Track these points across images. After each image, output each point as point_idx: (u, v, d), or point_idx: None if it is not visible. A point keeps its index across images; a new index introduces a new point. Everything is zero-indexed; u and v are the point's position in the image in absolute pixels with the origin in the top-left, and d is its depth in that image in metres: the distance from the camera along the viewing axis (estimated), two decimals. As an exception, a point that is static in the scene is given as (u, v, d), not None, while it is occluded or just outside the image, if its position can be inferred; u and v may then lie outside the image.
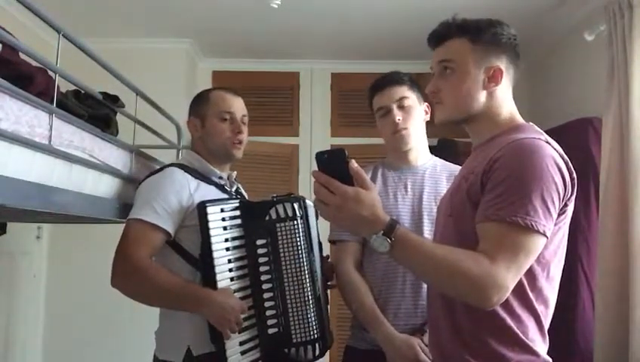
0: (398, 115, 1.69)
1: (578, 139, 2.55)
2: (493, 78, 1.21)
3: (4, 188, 1.11)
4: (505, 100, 1.25)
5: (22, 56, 1.33)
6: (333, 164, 1.05)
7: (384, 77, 1.75)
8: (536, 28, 3.07)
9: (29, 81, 1.33)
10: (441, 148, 2.96)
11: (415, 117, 1.71)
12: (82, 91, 1.63)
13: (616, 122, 2.28)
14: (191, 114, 1.75)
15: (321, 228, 1.62)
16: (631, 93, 2.21)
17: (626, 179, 2.21)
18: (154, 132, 2.13)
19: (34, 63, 1.34)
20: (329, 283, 1.70)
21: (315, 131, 3.72)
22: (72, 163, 1.40)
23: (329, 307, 1.67)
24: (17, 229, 2.79)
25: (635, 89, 2.20)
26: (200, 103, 1.73)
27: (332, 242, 1.75)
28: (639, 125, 2.19)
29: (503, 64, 1.22)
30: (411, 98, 1.71)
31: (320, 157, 1.06)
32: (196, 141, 1.74)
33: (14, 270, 3.00)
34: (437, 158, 1.82)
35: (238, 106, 1.72)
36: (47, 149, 1.26)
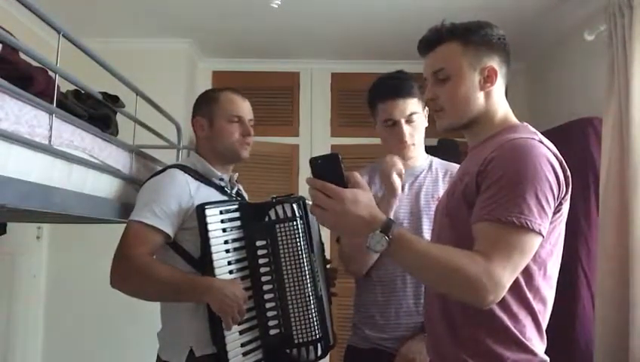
0: (408, 131, 1.66)
1: (578, 139, 2.55)
2: (489, 78, 1.22)
3: (4, 188, 1.11)
4: (500, 100, 1.25)
5: (22, 56, 1.33)
6: (327, 168, 1.05)
7: (394, 83, 1.68)
8: (536, 28, 3.07)
9: (29, 81, 1.32)
10: (441, 149, 2.96)
11: (420, 130, 1.71)
12: (82, 91, 1.63)
13: (616, 122, 2.28)
14: (197, 113, 1.74)
15: (321, 229, 1.62)
16: (631, 93, 2.21)
17: (626, 179, 2.21)
18: (154, 132, 2.13)
19: (34, 63, 1.34)
20: (331, 289, 1.70)
21: (315, 131, 3.72)
22: (72, 163, 1.40)
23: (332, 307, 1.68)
24: (17, 229, 2.79)
25: (635, 89, 2.20)
26: (208, 103, 1.72)
27: (338, 241, 1.74)
28: (639, 125, 2.19)
29: (495, 64, 1.23)
30: (419, 112, 1.68)
31: (314, 163, 1.06)
32: (201, 141, 1.73)
33: (14, 270, 3.00)
34: (433, 157, 1.81)
35: (246, 110, 1.73)
36: (47, 149, 1.26)
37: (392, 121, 1.67)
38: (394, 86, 1.68)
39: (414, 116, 1.67)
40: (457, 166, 1.71)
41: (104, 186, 1.61)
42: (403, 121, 1.66)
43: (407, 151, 1.70)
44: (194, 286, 1.47)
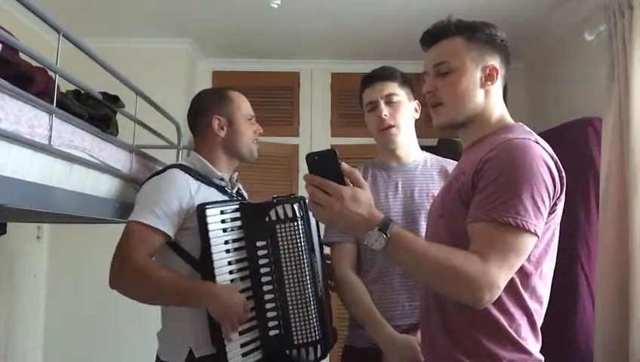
0: (385, 111, 1.68)
1: (578, 139, 2.55)
2: (490, 76, 1.23)
3: (4, 188, 1.11)
4: (497, 101, 1.26)
5: (22, 56, 1.33)
6: (324, 165, 1.04)
7: (374, 71, 1.74)
8: (536, 28, 3.07)
9: (29, 81, 1.32)
10: (441, 149, 2.95)
11: (403, 113, 1.71)
12: (82, 91, 1.63)
13: (616, 122, 2.28)
14: (214, 112, 1.71)
15: (321, 228, 1.61)
16: (631, 93, 2.21)
17: (626, 179, 2.21)
18: (154, 132, 2.13)
19: (34, 63, 1.34)
20: (330, 283, 1.70)
21: (315, 131, 3.72)
22: (72, 163, 1.40)
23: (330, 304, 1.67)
24: (17, 229, 2.79)
25: (635, 89, 2.20)
26: (224, 103, 1.73)
27: (327, 244, 1.74)
28: (639, 125, 2.19)
29: (497, 63, 1.24)
30: (400, 95, 1.70)
31: (311, 158, 1.05)
32: (215, 139, 1.71)
33: (14, 270, 3.00)
34: (428, 154, 1.80)
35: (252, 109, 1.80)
36: (47, 149, 1.26)
37: (372, 104, 1.71)
38: (373, 73, 1.74)
39: (393, 97, 1.69)
40: (452, 162, 1.70)
41: (104, 186, 1.61)
42: (381, 101, 1.69)
43: (389, 136, 1.70)
44: (194, 292, 1.47)
